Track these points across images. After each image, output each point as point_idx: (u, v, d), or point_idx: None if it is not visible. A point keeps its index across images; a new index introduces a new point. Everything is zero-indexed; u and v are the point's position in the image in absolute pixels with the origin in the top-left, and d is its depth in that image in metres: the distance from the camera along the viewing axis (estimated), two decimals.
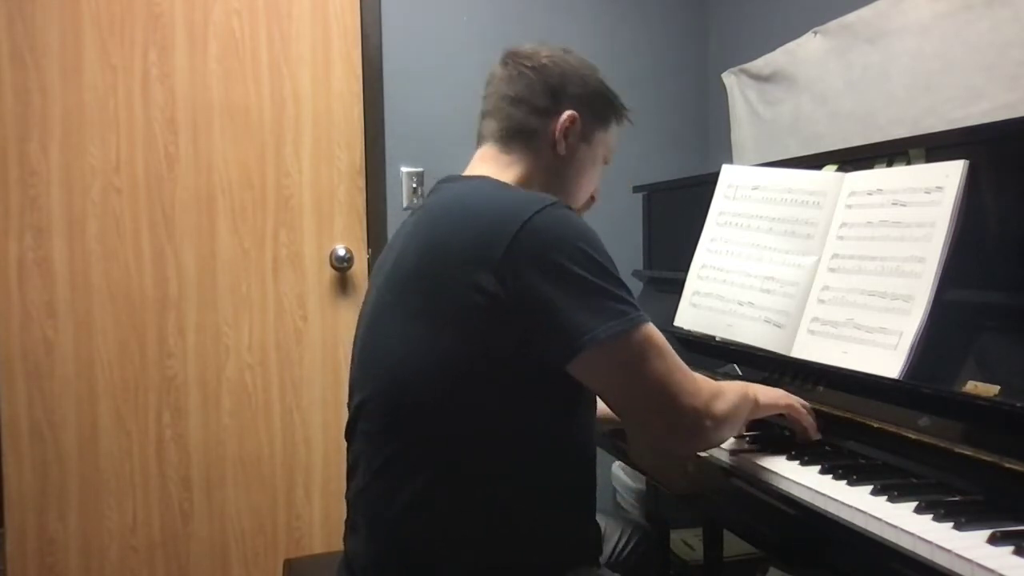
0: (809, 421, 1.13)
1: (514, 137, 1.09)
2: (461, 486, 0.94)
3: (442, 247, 0.94)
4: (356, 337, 1.08)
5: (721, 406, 0.96)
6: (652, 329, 0.93)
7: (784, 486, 1.01)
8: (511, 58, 1.11)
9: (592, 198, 1.20)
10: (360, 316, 1.09)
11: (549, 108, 1.08)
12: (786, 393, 1.14)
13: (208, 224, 2.07)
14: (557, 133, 1.08)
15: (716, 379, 1.41)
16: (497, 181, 1.03)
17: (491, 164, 1.09)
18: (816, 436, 1.12)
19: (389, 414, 0.97)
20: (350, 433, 1.06)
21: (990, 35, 1.46)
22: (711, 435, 0.97)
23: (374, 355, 1.01)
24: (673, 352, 0.94)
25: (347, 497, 1.07)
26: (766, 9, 2.25)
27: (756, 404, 1.07)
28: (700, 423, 0.94)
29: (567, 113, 1.08)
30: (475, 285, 0.89)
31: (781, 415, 1.13)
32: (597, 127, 1.13)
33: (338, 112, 2.15)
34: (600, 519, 1.09)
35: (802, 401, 1.15)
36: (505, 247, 0.88)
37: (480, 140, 1.13)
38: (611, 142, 1.18)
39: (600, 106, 1.13)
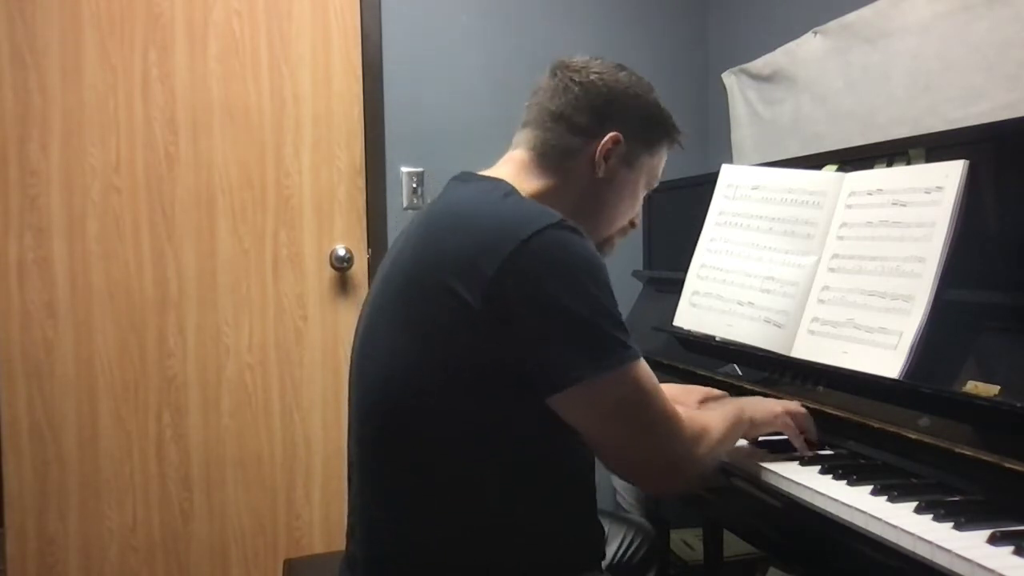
0: (800, 442, 1.10)
1: (550, 153, 1.04)
2: (458, 492, 0.93)
3: (435, 255, 0.91)
4: (355, 337, 1.07)
5: (703, 448, 0.94)
6: (640, 370, 0.89)
7: (784, 486, 1.01)
8: (560, 69, 1.06)
9: (632, 224, 1.15)
10: (360, 316, 1.08)
11: (592, 128, 1.03)
12: (783, 410, 1.10)
13: (208, 224, 2.07)
14: (598, 155, 1.03)
15: (715, 378, 1.41)
16: (508, 187, 0.97)
17: (516, 169, 1.04)
18: (806, 452, 1.09)
19: (382, 421, 0.96)
20: (349, 435, 1.06)
21: (990, 35, 1.46)
22: (689, 475, 0.95)
23: (367, 360, 0.99)
24: (659, 393, 0.91)
25: (348, 499, 1.07)
26: (766, 9, 2.25)
27: (752, 424, 1.06)
28: (677, 468, 0.93)
29: (611, 134, 1.03)
30: (462, 299, 0.86)
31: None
32: (643, 151, 1.08)
33: (338, 112, 2.15)
34: (602, 521, 1.08)
35: (799, 410, 1.12)
36: (498, 265, 0.84)
37: (517, 140, 1.08)
38: (657, 167, 1.12)
39: (649, 129, 1.08)
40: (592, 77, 1.04)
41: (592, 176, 1.04)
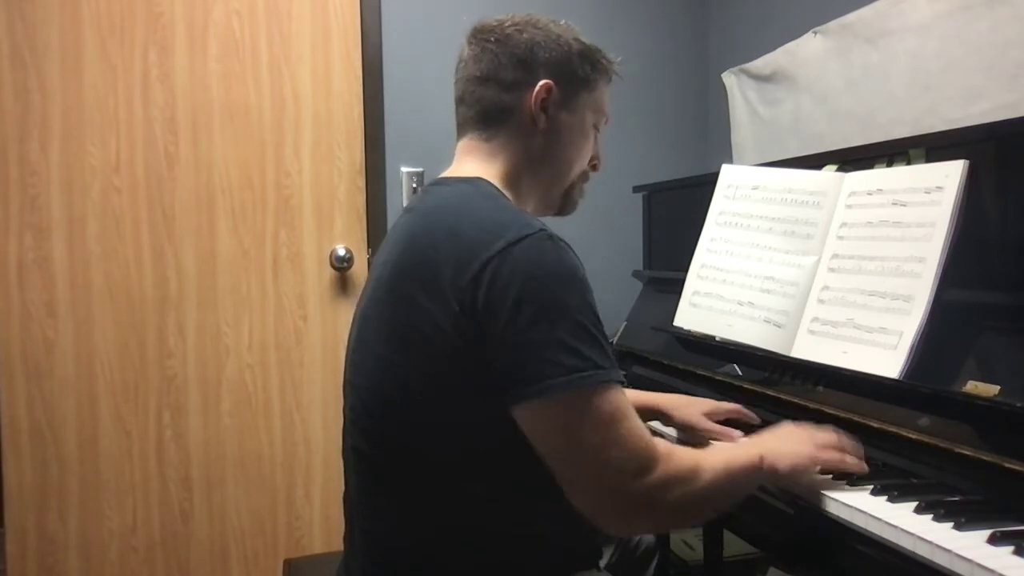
0: (853, 463, 0.98)
1: (490, 120, 1.02)
2: (453, 494, 0.92)
3: (415, 264, 0.90)
4: (348, 340, 1.06)
5: (679, 491, 0.84)
6: (606, 393, 0.83)
7: (784, 486, 1.01)
8: (475, 35, 1.04)
9: (594, 167, 1.12)
10: (353, 319, 1.07)
11: (520, 80, 1.00)
12: (813, 455, 0.96)
13: (208, 224, 2.07)
14: (534, 106, 1.00)
15: (715, 378, 1.41)
16: (486, 188, 0.97)
17: (475, 157, 1.03)
18: (864, 469, 0.98)
19: (373, 426, 0.96)
20: (344, 439, 1.05)
21: (990, 35, 1.46)
22: (658, 520, 0.87)
23: (356, 366, 1.00)
24: (627, 422, 0.84)
25: (344, 501, 1.07)
26: (766, 9, 2.25)
27: (775, 474, 0.93)
28: (636, 508, 0.84)
29: (541, 83, 1.00)
30: (441, 307, 0.86)
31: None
32: (580, 90, 1.04)
33: (338, 112, 2.15)
34: None
35: (829, 438, 0.99)
36: (473, 274, 0.84)
37: (460, 131, 1.07)
38: (601, 103, 1.08)
39: (580, 67, 1.04)
40: (508, 31, 1.02)
41: (535, 130, 1.02)
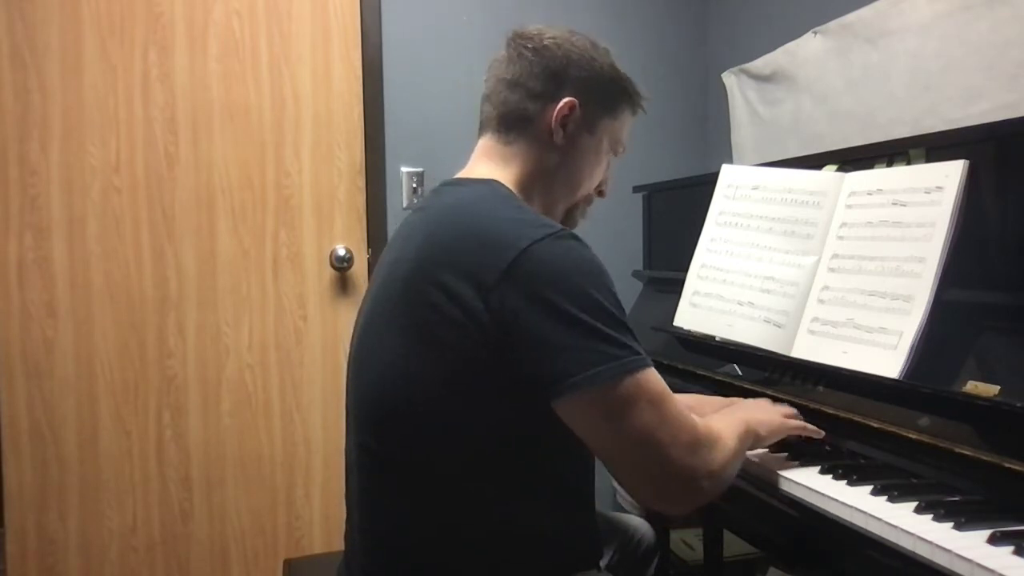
0: (815, 432, 1.10)
1: (511, 124, 1.04)
2: (456, 494, 0.92)
3: (434, 263, 0.90)
4: (352, 339, 1.06)
5: (720, 458, 0.89)
6: (648, 376, 0.86)
7: (784, 486, 1.02)
8: (514, 39, 1.05)
9: (600, 193, 1.14)
10: (357, 316, 1.07)
11: (547, 93, 1.02)
12: (783, 421, 1.08)
13: (208, 224, 2.07)
14: (554, 121, 1.02)
15: (715, 378, 1.41)
16: (501, 190, 0.99)
17: (492, 159, 1.05)
18: (820, 434, 1.10)
19: (379, 424, 0.95)
20: (347, 438, 1.05)
21: (990, 35, 1.46)
22: (708, 492, 0.88)
23: (363, 363, 0.99)
24: (671, 401, 0.87)
25: (346, 500, 1.07)
26: (766, 9, 2.25)
27: (758, 438, 1.02)
28: (695, 481, 0.86)
29: (565, 100, 1.02)
30: (463, 307, 0.86)
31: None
32: (603, 115, 1.07)
33: (338, 112, 2.15)
34: (602, 521, 1.08)
35: (790, 410, 1.12)
36: (499, 274, 0.84)
37: (481, 128, 1.08)
38: (621, 131, 1.11)
39: (608, 92, 1.07)
40: (546, 42, 1.03)
41: (551, 144, 1.04)
